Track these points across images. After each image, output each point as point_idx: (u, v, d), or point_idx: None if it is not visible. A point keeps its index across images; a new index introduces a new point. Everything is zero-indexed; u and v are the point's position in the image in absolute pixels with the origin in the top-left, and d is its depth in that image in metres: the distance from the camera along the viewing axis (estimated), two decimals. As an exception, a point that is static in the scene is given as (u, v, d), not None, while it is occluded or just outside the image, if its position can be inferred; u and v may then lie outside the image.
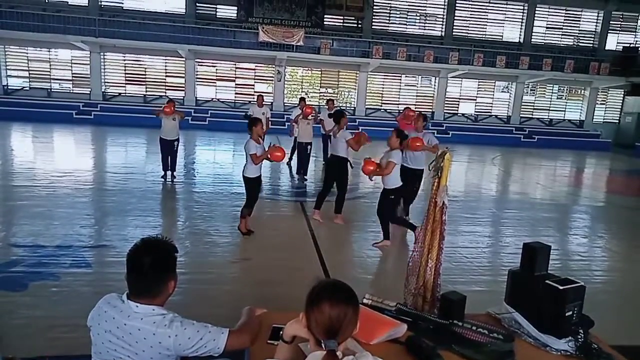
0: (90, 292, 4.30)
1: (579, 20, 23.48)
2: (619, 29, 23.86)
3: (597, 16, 23.23)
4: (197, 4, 20.46)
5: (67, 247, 5.47)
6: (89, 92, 20.30)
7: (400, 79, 22.77)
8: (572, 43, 23.50)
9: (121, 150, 14.10)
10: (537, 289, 2.43)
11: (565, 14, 23.25)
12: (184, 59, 20.45)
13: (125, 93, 20.96)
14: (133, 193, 8.21)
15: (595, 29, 23.44)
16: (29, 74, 20.34)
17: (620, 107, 24.54)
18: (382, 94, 22.99)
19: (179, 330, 1.75)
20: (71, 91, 20.62)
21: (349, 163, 7.19)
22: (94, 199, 7.93)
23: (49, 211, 6.86)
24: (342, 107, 20.65)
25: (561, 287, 2.33)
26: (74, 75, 20.67)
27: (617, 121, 24.49)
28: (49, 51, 20.20)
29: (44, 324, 3.74)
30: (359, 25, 21.50)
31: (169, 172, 9.33)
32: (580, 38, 23.62)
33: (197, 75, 21.20)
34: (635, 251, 7.17)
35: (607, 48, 23.37)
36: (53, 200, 7.46)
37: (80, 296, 4.27)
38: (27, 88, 20.19)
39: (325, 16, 21.13)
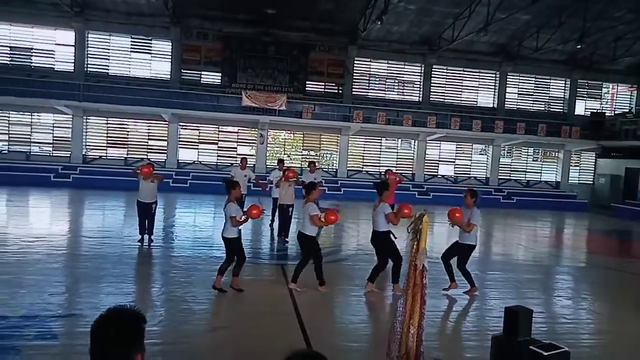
0: (53, 367, 4.01)
1: (548, 88, 24.72)
2: (585, 95, 25.18)
3: (565, 84, 24.53)
4: (182, 71, 21.02)
5: (32, 317, 5.17)
6: (69, 155, 20.21)
7: (381, 142, 23.29)
8: (543, 108, 24.60)
9: (98, 213, 13.82)
10: (521, 355, 2.34)
11: (535, 81, 24.51)
12: (167, 123, 20.68)
13: (106, 156, 20.91)
14: (107, 258, 7.94)
15: (564, 95, 24.67)
16: (9, 137, 20.25)
17: (593, 169, 25.37)
18: (363, 156, 23.40)
19: None
20: (51, 154, 20.50)
21: (391, 234, 6.81)
22: (66, 264, 7.64)
23: (17, 278, 6.54)
24: (324, 168, 20.89)
25: (545, 353, 2.26)
26: (54, 138, 20.64)
27: (592, 182, 25.20)
28: (30, 115, 20.27)
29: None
30: (340, 91, 22.25)
31: (146, 236, 9.11)
32: (551, 104, 24.77)
33: (179, 138, 21.38)
34: (619, 313, 7.09)
35: (576, 113, 24.50)
36: (22, 267, 7.14)
37: (41, 372, 3.99)
38: (6, 151, 20.02)
39: (307, 82, 21.86)
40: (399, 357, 3.03)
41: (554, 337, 4.83)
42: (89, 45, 20.37)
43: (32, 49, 20.09)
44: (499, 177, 23.96)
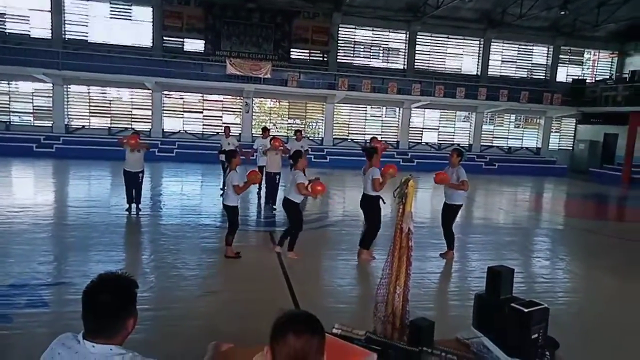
0: (46, 334, 4.06)
1: (531, 54, 24.78)
2: (567, 62, 25.33)
3: (548, 51, 24.61)
4: (164, 38, 20.48)
5: (21, 285, 5.21)
6: (51, 125, 19.79)
7: (366, 110, 23.27)
8: (525, 75, 24.72)
9: (84, 183, 13.69)
10: (502, 312, 2.47)
11: (518, 48, 24.53)
12: (150, 91, 20.30)
13: (89, 126, 20.53)
14: (95, 227, 7.95)
15: (546, 62, 24.78)
16: (-14, 106, 19.72)
17: (573, 134, 25.81)
18: (348, 124, 23.39)
19: None
20: (32, 124, 20.05)
21: (380, 199, 6.87)
22: (54, 234, 7.63)
23: (3, 248, 6.54)
24: (310, 137, 20.84)
25: (526, 310, 2.38)
26: (35, 108, 20.14)
27: (571, 148, 25.69)
28: (8, 84, 19.67)
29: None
30: (325, 59, 21.99)
31: (133, 205, 9.11)
32: (533, 70, 24.88)
33: (164, 107, 21.04)
34: (595, 273, 7.41)
35: (558, 80, 24.68)
36: (8, 237, 7.12)
37: (34, 338, 4.05)
38: (-16, 121, 19.53)
39: (292, 50, 21.53)
40: (386, 316, 3.17)
41: (532, 296, 5.06)
42: (66, 11, 19.65)
43: (4, 14, 19.32)
44: (482, 144, 24.25)
